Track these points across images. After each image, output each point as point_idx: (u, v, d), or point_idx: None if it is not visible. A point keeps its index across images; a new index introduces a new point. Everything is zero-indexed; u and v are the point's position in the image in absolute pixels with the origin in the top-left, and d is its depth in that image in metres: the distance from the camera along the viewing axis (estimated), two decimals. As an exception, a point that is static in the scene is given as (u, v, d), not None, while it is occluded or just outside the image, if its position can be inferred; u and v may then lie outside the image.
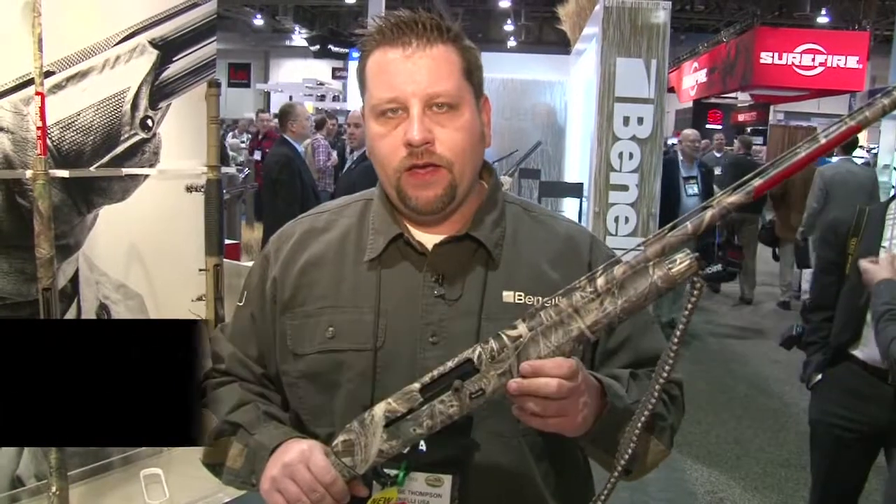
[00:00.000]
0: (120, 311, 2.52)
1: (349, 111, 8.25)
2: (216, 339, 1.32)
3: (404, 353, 1.15)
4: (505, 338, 0.98)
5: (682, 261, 0.92)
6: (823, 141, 0.87)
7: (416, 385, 1.00)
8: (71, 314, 2.37)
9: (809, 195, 6.97)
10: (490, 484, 1.13)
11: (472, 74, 1.19)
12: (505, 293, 1.18)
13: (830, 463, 2.65)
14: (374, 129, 1.16)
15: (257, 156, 10.72)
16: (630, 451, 1.00)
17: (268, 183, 5.70)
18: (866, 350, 2.46)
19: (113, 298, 2.50)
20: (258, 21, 22.52)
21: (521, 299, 1.17)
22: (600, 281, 0.95)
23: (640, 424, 1.00)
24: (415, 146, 1.11)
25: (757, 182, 0.89)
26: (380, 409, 1.02)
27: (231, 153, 11.45)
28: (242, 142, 15.03)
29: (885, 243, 2.41)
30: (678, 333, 0.93)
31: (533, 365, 0.97)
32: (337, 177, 8.51)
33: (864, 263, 2.20)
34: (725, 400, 5.45)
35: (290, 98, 21.50)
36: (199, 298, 2.59)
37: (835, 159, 7.32)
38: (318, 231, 1.27)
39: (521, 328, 0.98)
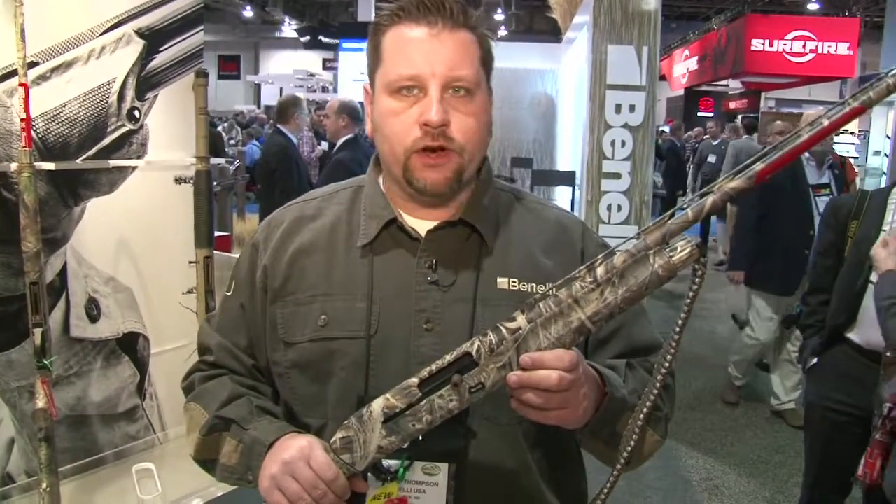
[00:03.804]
0: (109, 305, 2.49)
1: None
2: (203, 331, 1.30)
3: (398, 340, 1.14)
4: (504, 330, 0.96)
5: (683, 248, 0.90)
6: (826, 123, 0.85)
7: (415, 380, 0.98)
8: (59, 308, 2.35)
9: (725, 163, 9.02)
10: (486, 471, 1.12)
11: (487, 64, 1.18)
12: (499, 279, 1.16)
13: (824, 447, 2.65)
14: (387, 104, 1.13)
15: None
16: (633, 443, 0.99)
17: (265, 173, 5.75)
18: (861, 333, 2.46)
19: (102, 292, 2.47)
20: (247, 13, 22.43)
21: (515, 286, 1.16)
22: (600, 270, 0.93)
23: (642, 417, 0.98)
24: (433, 127, 1.09)
25: (759, 166, 0.87)
26: (378, 405, 1.00)
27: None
28: (231, 137, 15.01)
29: (885, 227, 2.41)
30: (680, 323, 0.91)
31: (533, 357, 0.95)
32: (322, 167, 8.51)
33: (876, 249, 2.18)
34: (720, 387, 5.45)
35: (281, 90, 21.47)
36: (190, 291, 2.57)
37: (744, 137, 9.80)
38: (308, 219, 1.24)
39: (520, 320, 0.96)
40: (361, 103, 1.36)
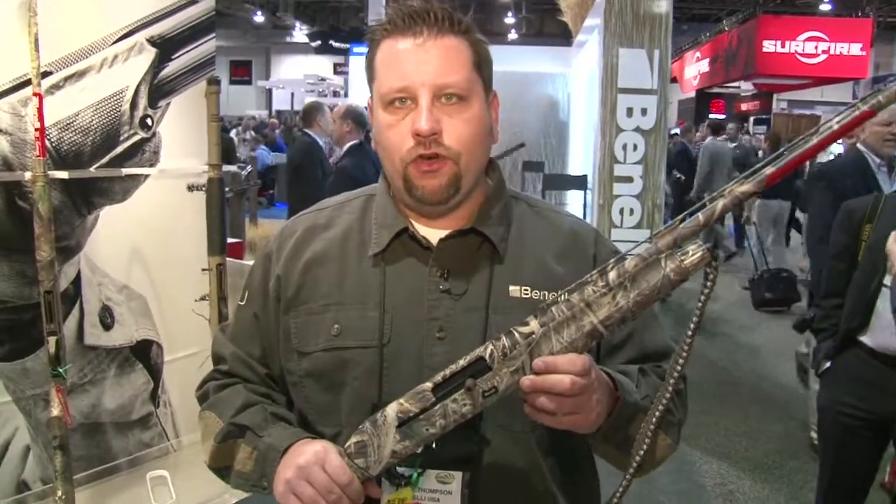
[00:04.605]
0: (123, 313, 2.51)
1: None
2: (217, 340, 1.31)
3: (411, 349, 1.14)
4: (517, 335, 0.97)
5: (694, 252, 0.90)
6: (836, 127, 0.85)
7: (428, 384, 0.99)
8: (74, 317, 2.36)
9: (701, 163, 9.35)
10: (500, 478, 1.12)
11: (482, 68, 1.17)
12: (511, 287, 1.16)
13: (838, 451, 2.63)
14: (383, 118, 1.14)
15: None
16: (645, 448, 0.98)
17: (291, 169, 6.18)
18: (875, 337, 2.45)
19: (115, 300, 2.48)
20: (258, 18, 22.47)
21: (527, 293, 1.16)
22: (612, 275, 0.93)
23: (654, 422, 0.98)
24: (423, 136, 1.09)
25: (769, 170, 0.87)
26: (392, 410, 1.00)
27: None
28: (245, 139, 15.12)
29: None
30: (692, 327, 0.91)
31: (546, 361, 0.95)
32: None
33: (891, 245, 2.15)
34: (734, 391, 5.43)
35: (292, 95, 21.55)
36: (203, 298, 2.58)
37: (709, 139, 9.97)
38: (321, 228, 1.25)
39: (533, 324, 0.96)
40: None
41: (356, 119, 5.14)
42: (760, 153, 12.17)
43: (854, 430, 2.54)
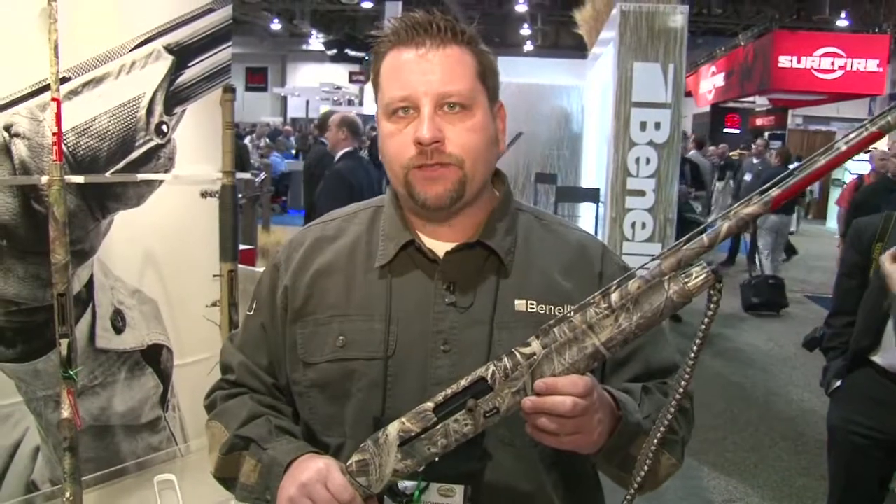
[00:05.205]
0: (134, 317, 2.52)
1: (365, 115, 8.50)
2: (225, 349, 1.32)
3: (416, 361, 1.14)
4: (518, 355, 0.97)
5: (698, 274, 0.90)
6: (844, 148, 0.85)
7: (430, 404, 0.99)
8: (86, 320, 2.38)
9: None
10: (501, 493, 1.12)
11: (487, 78, 1.18)
12: (517, 301, 1.17)
13: (848, 471, 2.62)
14: (386, 127, 1.15)
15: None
16: (646, 468, 0.99)
17: (308, 176, 6.71)
18: (886, 356, 2.44)
19: (127, 304, 2.50)
20: (275, 25, 22.59)
21: (533, 308, 1.16)
22: (615, 296, 0.93)
23: (655, 442, 0.98)
24: (424, 144, 1.10)
25: (775, 192, 0.87)
26: (393, 429, 1.00)
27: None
28: (259, 146, 15.23)
29: None
30: (695, 349, 0.91)
31: (547, 383, 0.95)
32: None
33: (888, 265, 2.15)
34: (742, 406, 5.40)
35: (307, 103, 21.66)
36: (214, 304, 2.59)
37: (692, 153, 10.40)
38: (328, 239, 1.26)
39: (535, 345, 0.97)
40: (364, 117, 1.37)
41: (351, 127, 5.26)
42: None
43: (864, 450, 2.53)
